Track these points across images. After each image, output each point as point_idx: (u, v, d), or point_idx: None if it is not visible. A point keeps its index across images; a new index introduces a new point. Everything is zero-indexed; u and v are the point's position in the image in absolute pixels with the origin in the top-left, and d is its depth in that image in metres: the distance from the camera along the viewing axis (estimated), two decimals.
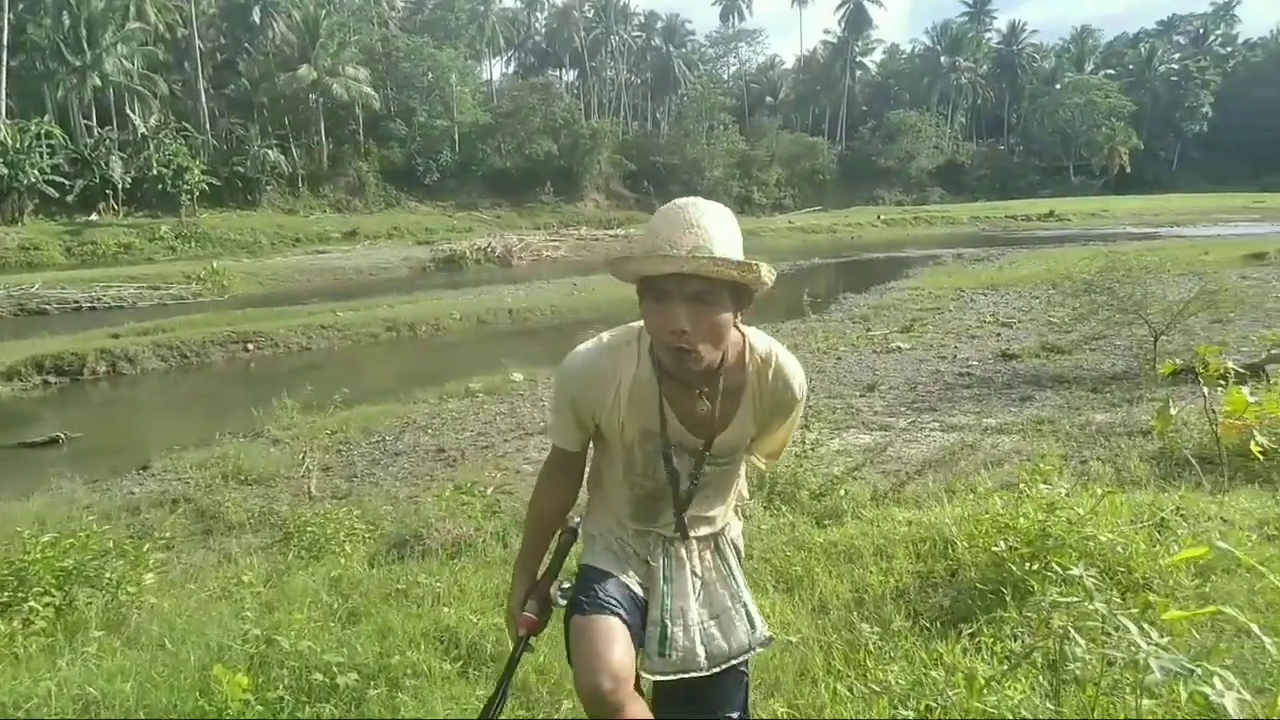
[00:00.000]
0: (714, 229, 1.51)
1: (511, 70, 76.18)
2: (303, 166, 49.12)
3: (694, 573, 1.79)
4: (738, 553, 1.88)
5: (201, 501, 6.84)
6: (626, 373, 1.69)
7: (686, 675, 1.71)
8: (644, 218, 57.43)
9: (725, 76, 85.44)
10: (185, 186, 39.97)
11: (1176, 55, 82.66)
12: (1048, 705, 2.19)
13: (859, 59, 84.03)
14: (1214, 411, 5.14)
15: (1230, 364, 4.93)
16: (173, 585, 4.36)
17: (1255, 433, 4.54)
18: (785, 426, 1.84)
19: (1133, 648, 1.63)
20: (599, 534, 1.87)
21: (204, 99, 47.08)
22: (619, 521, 1.84)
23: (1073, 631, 2.12)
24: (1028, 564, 3.05)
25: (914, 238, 38.18)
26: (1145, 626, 1.68)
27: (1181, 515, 3.85)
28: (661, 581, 1.76)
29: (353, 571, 4.25)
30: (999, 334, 13.01)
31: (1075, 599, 2.19)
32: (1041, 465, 4.18)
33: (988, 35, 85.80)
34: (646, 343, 1.67)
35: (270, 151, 45.87)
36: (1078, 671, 2.15)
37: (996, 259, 27.12)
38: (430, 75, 54.64)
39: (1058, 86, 78.99)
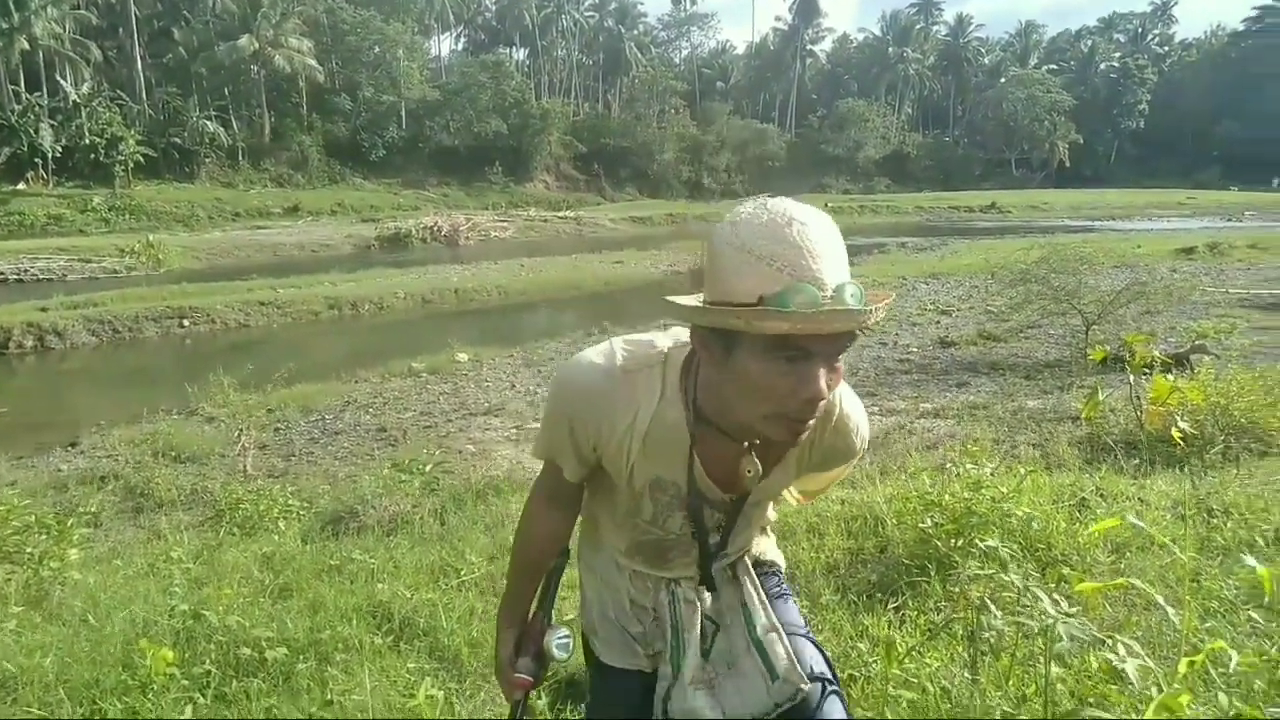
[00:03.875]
0: (842, 255, 1.13)
1: (461, 47, 75.24)
2: (243, 139, 47.84)
3: (707, 616, 1.49)
4: (763, 574, 1.58)
5: (131, 479, 6.69)
6: (646, 407, 1.34)
7: None
8: (594, 200, 57.36)
9: (677, 60, 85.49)
10: (119, 157, 38.63)
11: (1116, 53, 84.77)
12: (965, 674, 2.25)
13: (809, 47, 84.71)
14: (1139, 398, 5.31)
15: (1157, 353, 5.11)
16: (99, 561, 4.26)
17: (1178, 419, 4.71)
18: (835, 474, 1.59)
19: (1044, 617, 1.69)
20: (595, 587, 1.60)
21: (139, 67, 45.51)
22: (615, 563, 1.56)
23: (989, 603, 2.19)
24: (953, 540, 3.12)
25: (860, 226, 38.59)
26: (1057, 597, 1.74)
27: (1101, 495, 3.98)
28: (670, 634, 1.49)
29: (286, 548, 4.20)
30: (938, 321, 13.25)
31: (992, 571, 2.26)
32: (970, 447, 4.28)
33: (935, 27, 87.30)
34: (675, 376, 1.33)
35: (209, 123, 44.55)
36: (993, 641, 2.22)
37: (939, 249, 27.59)
38: (377, 49, 53.51)
39: (1002, 80, 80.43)
